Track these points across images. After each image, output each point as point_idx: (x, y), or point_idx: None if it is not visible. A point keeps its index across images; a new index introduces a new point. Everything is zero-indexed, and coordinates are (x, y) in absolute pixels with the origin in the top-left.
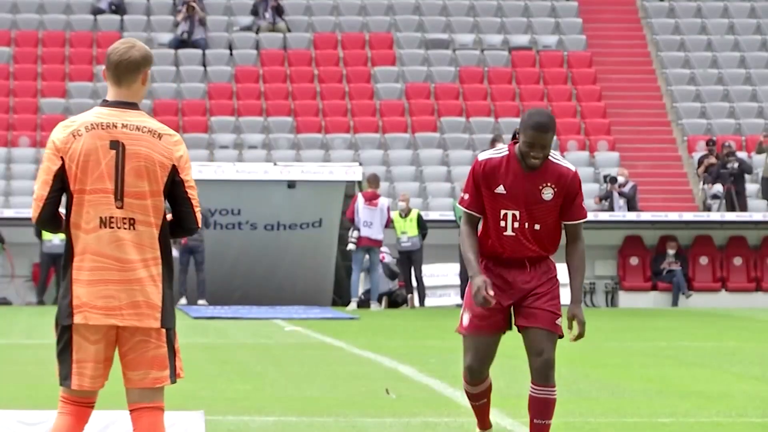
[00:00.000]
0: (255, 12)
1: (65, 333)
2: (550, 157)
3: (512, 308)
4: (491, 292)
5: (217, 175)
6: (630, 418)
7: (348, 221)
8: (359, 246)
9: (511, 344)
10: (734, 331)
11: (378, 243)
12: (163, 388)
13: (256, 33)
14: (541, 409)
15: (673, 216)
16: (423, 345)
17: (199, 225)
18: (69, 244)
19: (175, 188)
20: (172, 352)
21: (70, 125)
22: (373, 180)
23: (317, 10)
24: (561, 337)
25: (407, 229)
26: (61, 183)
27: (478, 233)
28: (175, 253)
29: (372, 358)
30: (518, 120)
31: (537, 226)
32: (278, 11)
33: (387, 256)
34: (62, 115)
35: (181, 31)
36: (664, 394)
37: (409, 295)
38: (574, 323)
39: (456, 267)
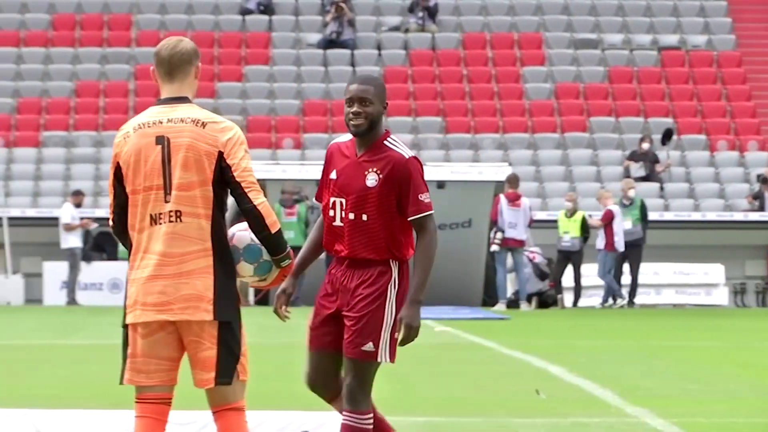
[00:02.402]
0: (411, 9)
1: (124, 331)
2: (386, 142)
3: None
4: (284, 307)
5: None
6: None
7: (491, 222)
8: (502, 246)
9: (656, 345)
10: None
11: (521, 243)
12: (235, 388)
13: (405, 33)
14: None
15: None
16: (573, 345)
17: (254, 204)
18: (129, 246)
19: (223, 174)
20: (228, 351)
21: (124, 130)
22: (514, 180)
23: (466, 10)
24: (374, 360)
25: (570, 230)
26: (122, 187)
27: None
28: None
29: (521, 358)
30: (668, 120)
31: (364, 217)
32: (430, 12)
33: (538, 256)
34: None
35: (329, 32)
36: None
37: (559, 296)
38: (402, 326)
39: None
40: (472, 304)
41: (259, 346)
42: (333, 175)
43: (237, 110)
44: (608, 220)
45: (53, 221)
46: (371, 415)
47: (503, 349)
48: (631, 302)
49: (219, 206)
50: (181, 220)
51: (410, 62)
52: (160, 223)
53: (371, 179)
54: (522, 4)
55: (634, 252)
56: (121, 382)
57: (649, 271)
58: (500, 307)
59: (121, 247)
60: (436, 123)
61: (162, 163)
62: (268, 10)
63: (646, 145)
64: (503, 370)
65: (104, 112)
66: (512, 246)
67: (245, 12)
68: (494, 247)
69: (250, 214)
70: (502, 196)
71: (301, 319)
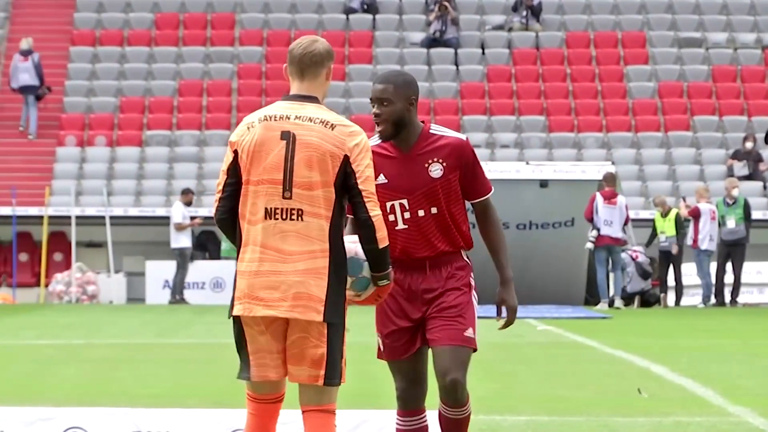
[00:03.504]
0: (515, 8)
1: (235, 325)
2: (432, 131)
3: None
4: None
5: None
6: None
7: (586, 221)
8: (599, 245)
9: (759, 344)
10: None
11: (618, 242)
12: (331, 390)
13: (509, 32)
14: (451, 429)
15: None
16: (675, 344)
17: (370, 215)
18: (239, 236)
19: (346, 179)
20: (335, 352)
21: (249, 120)
22: (610, 178)
23: (570, 8)
24: (475, 350)
25: (665, 229)
26: (235, 176)
27: None
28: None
29: (624, 357)
30: None
31: (434, 210)
32: (534, 11)
33: (640, 255)
34: None
35: (433, 30)
36: None
37: (662, 295)
38: (503, 309)
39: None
40: (574, 303)
41: (363, 345)
42: (381, 179)
43: (340, 109)
44: (693, 214)
45: (156, 220)
46: (468, 403)
47: (606, 349)
48: (734, 301)
49: (339, 209)
50: (302, 219)
51: (513, 61)
52: (276, 218)
53: (435, 170)
54: (626, 2)
55: (737, 251)
56: (241, 377)
57: (752, 270)
58: (602, 306)
59: (224, 246)
60: (539, 122)
61: (285, 159)
62: (371, 8)
63: (749, 144)
64: (605, 369)
65: (207, 111)
66: (609, 244)
67: (349, 11)
68: (588, 245)
69: (364, 224)
70: (597, 194)
71: None
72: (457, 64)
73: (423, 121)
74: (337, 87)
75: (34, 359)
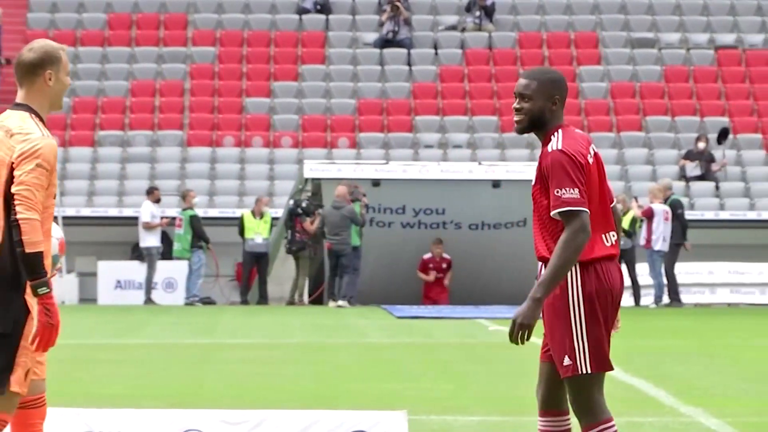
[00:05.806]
0: (468, 8)
1: None
2: (552, 136)
3: None
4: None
5: (421, 174)
6: None
7: None
8: None
9: (711, 344)
10: None
11: None
12: (3, 396)
13: (462, 32)
14: None
15: None
16: (629, 345)
17: (18, 217)
18: None
19: (9, 185)
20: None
21: None
22: None
23: (523, 9)
24: (576, 373)
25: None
26: None
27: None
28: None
29: None
30: (723, 119)
31: (534, 217)
32: (487, 11)
33: None
34: (266, 114)
35: (386, 31)
36: None
37: None
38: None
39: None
40: None
41: (314, 345)
42: None
43: (293, 109)
44: (647, 215)
45: (108, 220)
46: (606, 424)
47: None
48: (676, 300)
49: (8, 216)
50: None
51: (466, 61)
52: None
53: (534, 177)
54: (579, 3)
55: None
56: None
57: (704, 270)
58: None
59: (176, 246)
60: (492, 122)
61: None
62: (324, 9)
63: (701, 145)
64: None
65: (160, 112)
66: None
67: (302, 11)
68: None
69: (12, 226)
70: None
71: (360, 319)
72: (410, 65)
73: (563, 125)
74: (289, 87)
75: None
